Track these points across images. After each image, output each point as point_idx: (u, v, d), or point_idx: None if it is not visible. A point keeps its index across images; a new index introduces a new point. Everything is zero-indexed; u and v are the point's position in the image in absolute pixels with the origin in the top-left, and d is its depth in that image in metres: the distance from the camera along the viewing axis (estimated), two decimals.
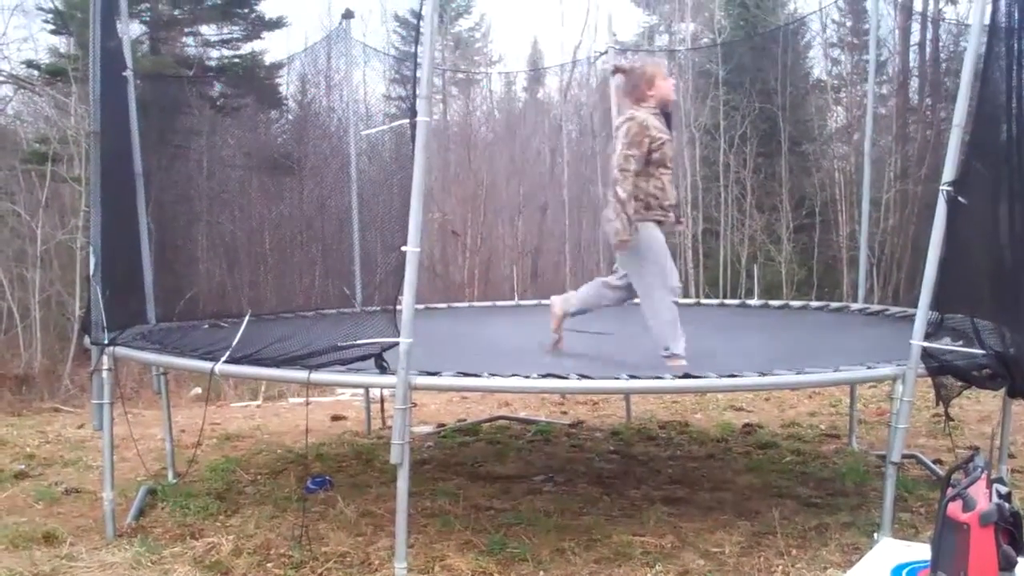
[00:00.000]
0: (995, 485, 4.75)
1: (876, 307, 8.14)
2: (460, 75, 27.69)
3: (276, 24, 20.28)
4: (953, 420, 5.68)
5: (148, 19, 19.35)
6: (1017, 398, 5.32)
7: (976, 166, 4.86)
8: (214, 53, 20.46)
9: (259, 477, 7.07)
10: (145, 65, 15.30)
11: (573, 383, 4.75)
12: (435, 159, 22.23)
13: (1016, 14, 4.87)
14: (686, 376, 4.91)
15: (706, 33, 27.23)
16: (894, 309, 7.73)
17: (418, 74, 4.39)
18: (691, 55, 24.12)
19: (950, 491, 4.85)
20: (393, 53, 21.26)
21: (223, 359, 5.04)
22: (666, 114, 5.75)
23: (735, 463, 7.39)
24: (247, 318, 5.67)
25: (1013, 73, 4.95)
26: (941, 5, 23.56)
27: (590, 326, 6.60)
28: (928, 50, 22.69)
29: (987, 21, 4.75)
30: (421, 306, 8.98)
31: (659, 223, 5.66)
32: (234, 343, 5.14)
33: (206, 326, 7.43)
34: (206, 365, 5.11)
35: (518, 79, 28.37)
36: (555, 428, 8.84)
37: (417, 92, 4.33)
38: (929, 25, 22.04)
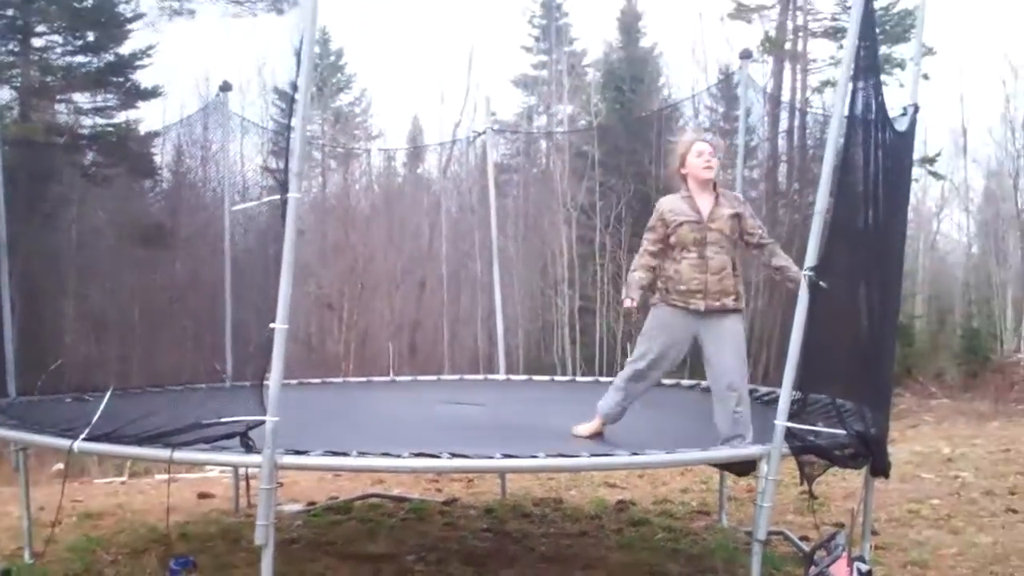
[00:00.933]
0: (856, 563, 4.90)
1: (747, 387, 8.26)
2: (339, 149, 27.71)
3: (152, 93, 20.07)
4: (818, 498, 5.81)
5: (19, 85, 18.95)
6: (878, 476, 5.49)
7: (838, 250, 5.05)
8: (87, 121, 20.12)
9: (120, 557, 6.83)
10: (14, 131, 14.98)
11: (446, 462, 4.74)
12: (313, 232, 22.11)
13: (873, 106, 5.12)
14: (560, 455, 4.94)
15: (583, 115, 27.88)
16: (763, 389, 7.87)
17: (290, 151, 4.40)
18: (568, 136, 24.62)
19: (812, 569, 4.99)
20: (271, 125, 21.18)
21: (82, 436, 4.89)
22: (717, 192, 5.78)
23: (608, 540, 7.41)
24: (110, 392, 5.53)
25: (870, 162, 5.19)
26: (808, 95, 24.61)
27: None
28: (796, 137, 23.62)
29: (847, 113, 4.97)
30: (294, 381, 8.90)
31: (676, 307, 5.65)
32: (95, 419, 5.00)
33: (69, 399, 7.22)
34: (64, 442, 4.96)
35: (398, 155, 28.53)
36: (428, 506, 8.76)
37: (289, 168, 4.34)
38: (797, 113, 22.98)
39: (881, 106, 5.22)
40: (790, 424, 4.85)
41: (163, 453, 4.64)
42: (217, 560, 6.67)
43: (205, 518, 8.30)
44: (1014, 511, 8.11)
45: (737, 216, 5.68)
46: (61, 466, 12.43)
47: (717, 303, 5.59)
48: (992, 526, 7.62)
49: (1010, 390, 20.44)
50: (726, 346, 5.61)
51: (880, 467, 5.34)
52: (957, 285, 33.18)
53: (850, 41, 4.93)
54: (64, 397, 7.27)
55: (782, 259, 5.69)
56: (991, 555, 6.64)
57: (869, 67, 5.04)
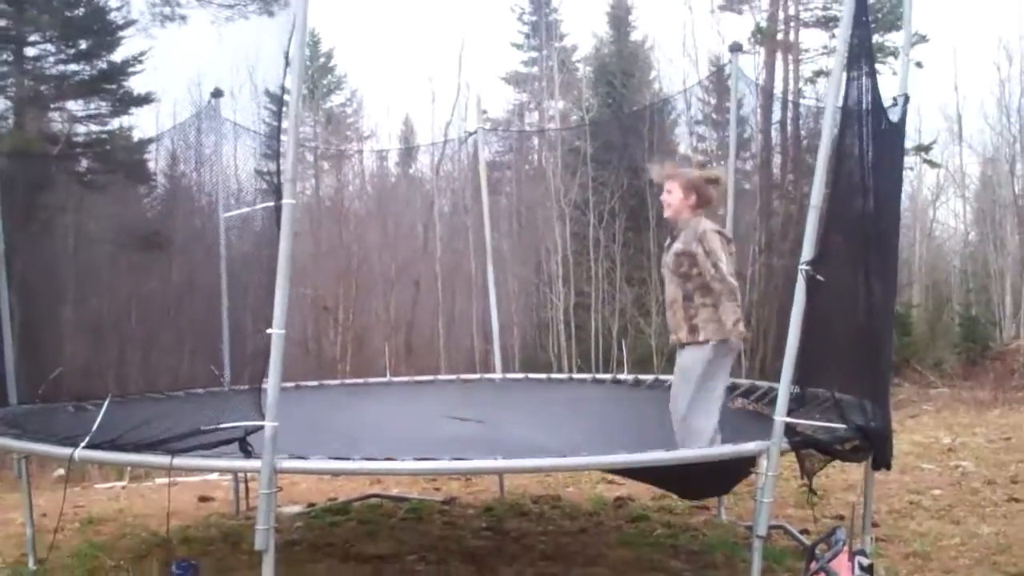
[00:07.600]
0: (857, 557, 4.89)
1: (744, 382, 8.19)
2: (331, 151, 27.68)
3: (145, 100, 19.98)
4: (816, 493, 5.77)
5: (12, 95, 18.89)
6: (880, 469, 5.49)
7: (834, 242, 5.04)
8: (81, 128, 20.03)
9: (123, 563, 6.82)
10: (10, 142, 14.94)
11: (446, 465, 4.75)
12: (307, 234, 22.08)
13: (868, 96, 5.11)
14: (558, 455, 4.94)
15: (574, 111, 27.84)
16: (763, 384, 7.76)
17: (283, 156, 4.39)
18: (560, 133, 24.62)
19: (813, 564, 4.98)
20: (263, 129, 21.11)
21: (83, 444, 4.90)
22: None
23: (607, 537, 7.41)
24: (108, 400, 5.52)
25: (865, 153, 5.18)
26: (801, 85, 24.60)
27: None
28: (789, 128, 23.60)
29: (841, 103, 4.95)
30: (291, 384, 8.89)
31: None
32: (94, 427, 5.00)
33: (71, 408, 7.22)
34: (65, 451, 4.97)
35: (390, 155, 28.51)
36: (427, 505, 8.76)
37: (283, 173, 4.32)
38: (789, 104, 22.96)
39: (875, 95, 5.22)
40: (789, 419, 4.84)
41: (163, 460, 4.65)
42: (219, 563, 6.67)
43: (206, 522, 8.30)
44: (1016, 500, 8.11)
45: (686, 254, 5.61)
46: (62, 472, 12.40)
47: (674, 338, 5.60)
48: (994, 516, 7.62)
49: (1010, 377, 20.34)
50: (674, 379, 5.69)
51: (882, 460, 5.34)
52: (955, 273, 33.16)
53: (843, 30, 4.93)
54: (65, 405, 7.28)
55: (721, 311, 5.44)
56: (994, 545, 6.65)
57: (863, 56, 5.04)
